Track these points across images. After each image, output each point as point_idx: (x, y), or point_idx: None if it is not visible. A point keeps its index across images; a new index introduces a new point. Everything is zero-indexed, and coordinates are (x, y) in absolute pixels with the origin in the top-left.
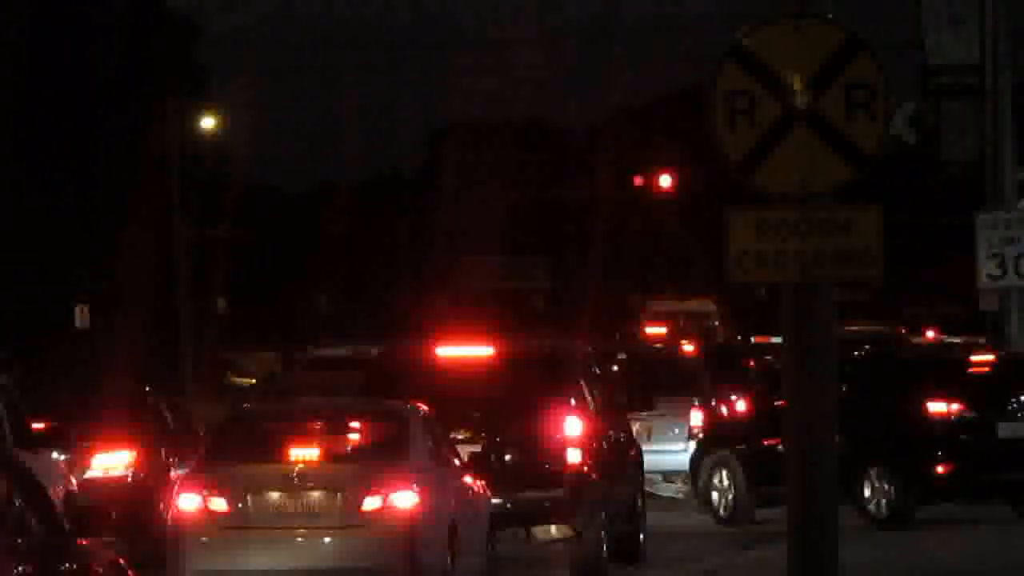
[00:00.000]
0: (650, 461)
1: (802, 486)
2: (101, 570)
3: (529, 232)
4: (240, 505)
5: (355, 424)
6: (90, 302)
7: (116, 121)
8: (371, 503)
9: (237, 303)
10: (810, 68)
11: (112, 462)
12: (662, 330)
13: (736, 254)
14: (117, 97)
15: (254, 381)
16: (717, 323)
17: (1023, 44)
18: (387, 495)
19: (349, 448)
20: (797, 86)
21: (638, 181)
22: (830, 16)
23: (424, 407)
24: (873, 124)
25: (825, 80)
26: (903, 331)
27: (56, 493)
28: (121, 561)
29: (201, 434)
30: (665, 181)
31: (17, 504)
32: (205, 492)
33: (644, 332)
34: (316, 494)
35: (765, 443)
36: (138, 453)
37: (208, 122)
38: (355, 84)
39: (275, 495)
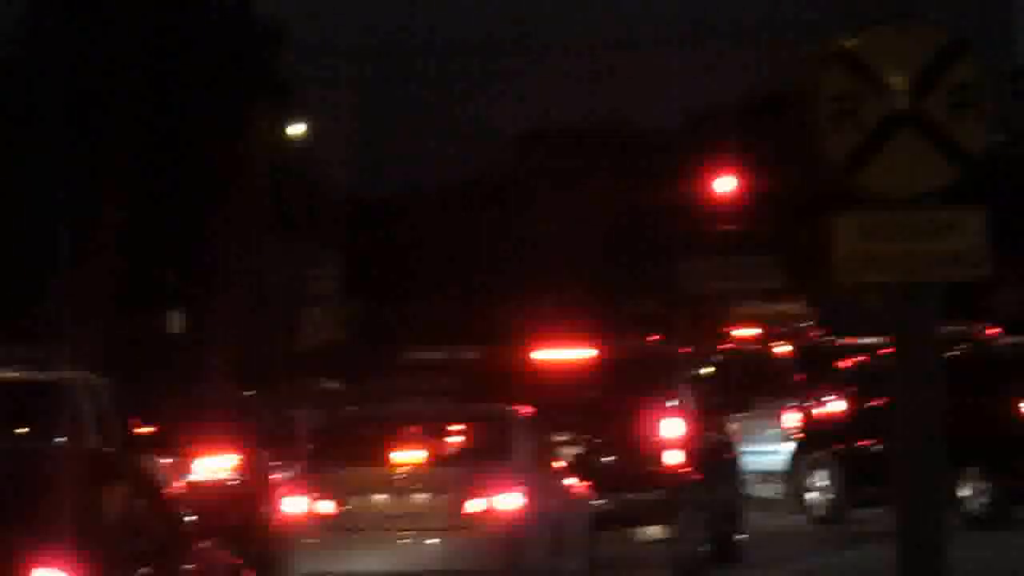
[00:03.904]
0: (747, 462)
1: (910, 486)
2: (221, 572)
3: (623, 237)
4: (345, 507)
5: (458, 427)
6: (185, 307)
7: (207, 126)
8: (475, 505)
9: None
10: (914, 69)
11: (216, 465)
12: (753, 332)
13: (842, 256)
14: (208, 102)
15: (339, 385)
16: (807, 324)
17: None
18: (491, 497)
19: (453, 451)
20: (901, 87)
21: (721, 184)
22: (932, 19)
23: (527, 409)
24: (976, 124)
25: (929, 81)
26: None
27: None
28: (239, 562)
29: (300, 437)
30: (747, 185)
31: (139, 506)
32: (311, 495)
33: (736, 334)
34: (421, 496)
35: (861, 443)
36: (241, 456)
37: (297, 129)
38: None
39: (380, 497)
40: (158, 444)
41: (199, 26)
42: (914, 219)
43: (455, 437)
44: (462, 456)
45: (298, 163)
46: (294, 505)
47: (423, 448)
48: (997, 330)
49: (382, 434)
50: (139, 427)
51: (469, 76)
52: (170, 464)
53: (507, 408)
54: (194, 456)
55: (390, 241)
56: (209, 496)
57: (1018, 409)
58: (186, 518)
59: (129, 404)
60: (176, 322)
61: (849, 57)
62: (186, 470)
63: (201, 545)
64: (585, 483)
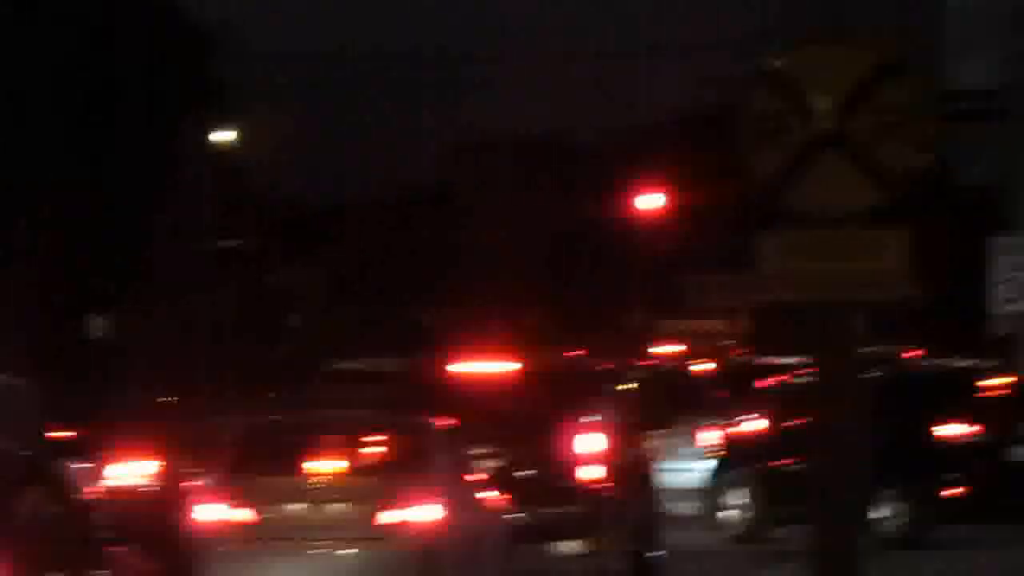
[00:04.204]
0: (666, 479)
1: (825, 506)
2: None
3: (543, 248)
4: (262, 516)
5: (378, 437)
6: (109, 312)
7: (138, 132)
8: (392, 516)
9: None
10: (842, 89)
11: (133, 471)
12: (676, 349)
13: (764, 276)
14: (138, 109)
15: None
16: (730, 343)
17: None
18: (407, 509)
19: (371, 461)
20: (828, 108)
21: (653, 200)
22: (863, 39)
23: (447, 421)
24: (904, 148)
25: (857, 102)
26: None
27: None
28: (153, 568)
29: (221, 445)
30: (680, 200)
31: (51, 511)
32: (228, 502)
33: (658, 351)
34: (337, 506)
35: (781, 462)
36: (159, 462)
37: (227, 136)
38: (373, 99)
39: (296, 507)
40: (75, 449)
41: (130, 30)
42: (836, 239)
43: (373, 448)
44: (380, 467)
45: (231, 169)
46: (211, 512)
47: (341, 458)
48: (920, 352)
49: (301, 443)
50: (57, 431)
51: (408, 86)
52: (87, 469)
53: (426, 419)
54: (111, 461)
55: (323, 248)
56: (126, 502)
57: (937, 432)
58: (101, 523)
59: (48, 408)
60: (100, 327)
61: (776, 76)
62: (103, 475)
63: (116, 550)
64: (503, 496)
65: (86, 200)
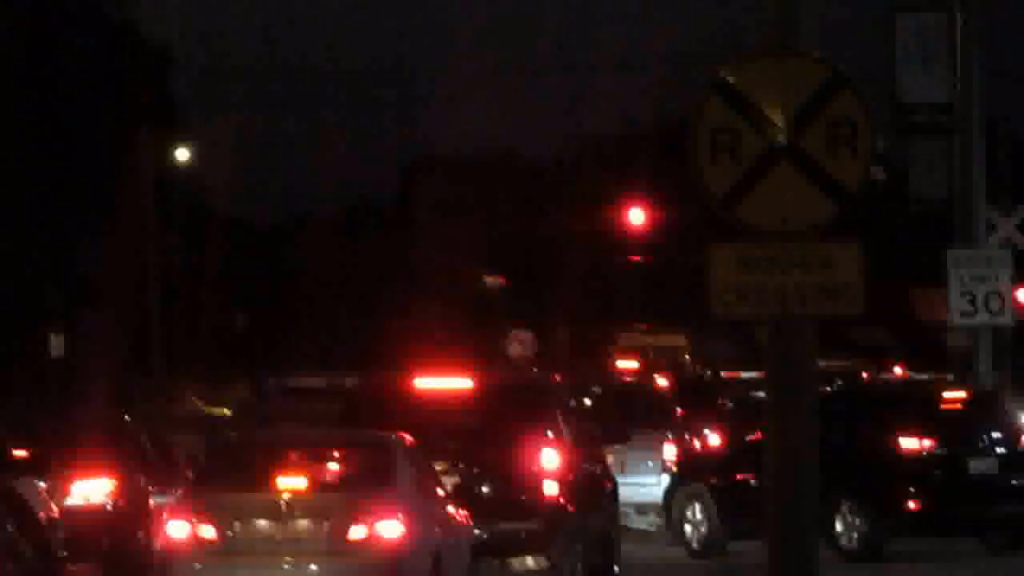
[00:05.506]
0: (624, 493)
1: (782, 519)
2: None
3: (502, 265)
4: (228, 533)
5: (341, 453)
6: (65, 330)
7: (91, 149)
8: (357, 532)
9: (214, 333)
10: (793, 104)
11: (92, 490)
12: (633, 364)
13: (717, 289)
14: (92, 125)
15: (228, 412)
16: (688, 357)
17: (993, 83)
18: (373, 524)
19: (335, 477)
20: (780, 122)
21: (610, 215)
22: (814, 53)
23: (409, 437)
24: (855, 161)
25: (808, 116)
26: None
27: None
28: None
29: (180, 462)
30: (637, 215)
31: (9, 529)
32: (194, 519)
33: (615, 365)
34: (302, 522)
35: (738, 477)
36: (117, 480)
37: (182, 153)
38: (329, 116)
39: (262, 523)
40: (33, 467)
41: (83, 47)
42: (788, 253)
43: (338, 463)
44: (345, 482)
45: (183, 186)
46: (177, 529)
47: (306, 474)
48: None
49: (266, 459)
50: (15, 449)
51: (361, 103)
52: (45, 487)
53: (390, 435)
54: (70, 480)
55: (276, 267)
56: (84, 520)
57: (895, 445)
58: (60, 542)
59: (4, 426)
60: (57, 344)
61: (728, 90)
62: (61, 494)
63: (75, 569)
64: (462, 511)
65: (39, 217)
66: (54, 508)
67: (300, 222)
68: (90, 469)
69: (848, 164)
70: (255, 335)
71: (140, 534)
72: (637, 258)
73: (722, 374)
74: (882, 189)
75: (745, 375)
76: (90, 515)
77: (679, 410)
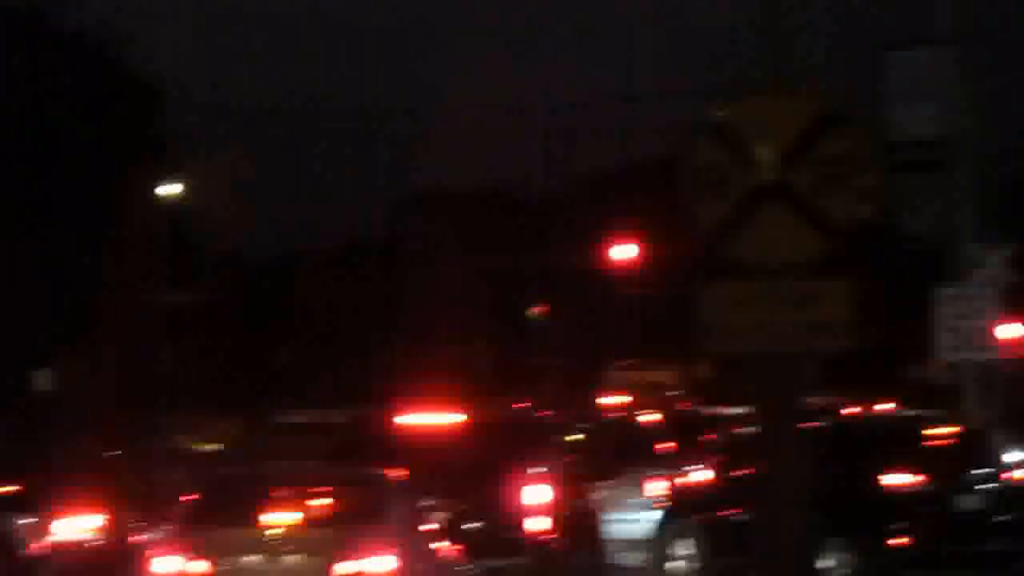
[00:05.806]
0: (614, 529)
1: (772, 556)
2: None
3: (494, 300)
4: (218, 568)
5: (332, 489)
6: (55, 366)
7: (81, 185)
8: (347, 568)
9: (203, 368)
10: (784, 142)
11: (79, 526)
12: (623, 400)
13: (709, 326)
14: (83, 161)
15: (220, 447)
16: (678, 393)
17: (983, 120)
18: (362, 560)
19: (326, 513)
20: (771, 159)
21: (602, 251)
22: (808, 91)
23: (400, 473)
24: (846, 198)
25: (799, 154)
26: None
27: (20, 557)
28: None
29: (168, 499)
30: (629, 252)
31: None
32: (183, 555)
33: (605, 402)
34: (293, 558)
35: (727, 513)
36: (105, 517)
37: (174, 188)
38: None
39: (252, 558)
40: (20, 504)
41: (76, 82)
42: (779, 289)
43: (328, 499)
44: (335, 518)
45: (177, 222)
46: (167, 565)
47: (296, 510)
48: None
49: (256, 495)
50: (2, 485)
51: (356, 140)
52: (32, 524)
53: (380, 471)
54: (57, 516)
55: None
56: (71, 557)
57: (882, 482)
58: None
59: None
60: (44, 380)
61: (719, 128)
62: (49, 530)
63: None
64: (452, 547)
65: (32, 252)
66: (42, 545)
67: (291, 258)
68: (77, 506)
69: (840, 201)
70: (253, 368)
71: (127, 570)
72: (628, 293)
73: (713, 409)
74: (871, 226)
75: (735, 410)
76: (77, 552)
77: (670, 445)
